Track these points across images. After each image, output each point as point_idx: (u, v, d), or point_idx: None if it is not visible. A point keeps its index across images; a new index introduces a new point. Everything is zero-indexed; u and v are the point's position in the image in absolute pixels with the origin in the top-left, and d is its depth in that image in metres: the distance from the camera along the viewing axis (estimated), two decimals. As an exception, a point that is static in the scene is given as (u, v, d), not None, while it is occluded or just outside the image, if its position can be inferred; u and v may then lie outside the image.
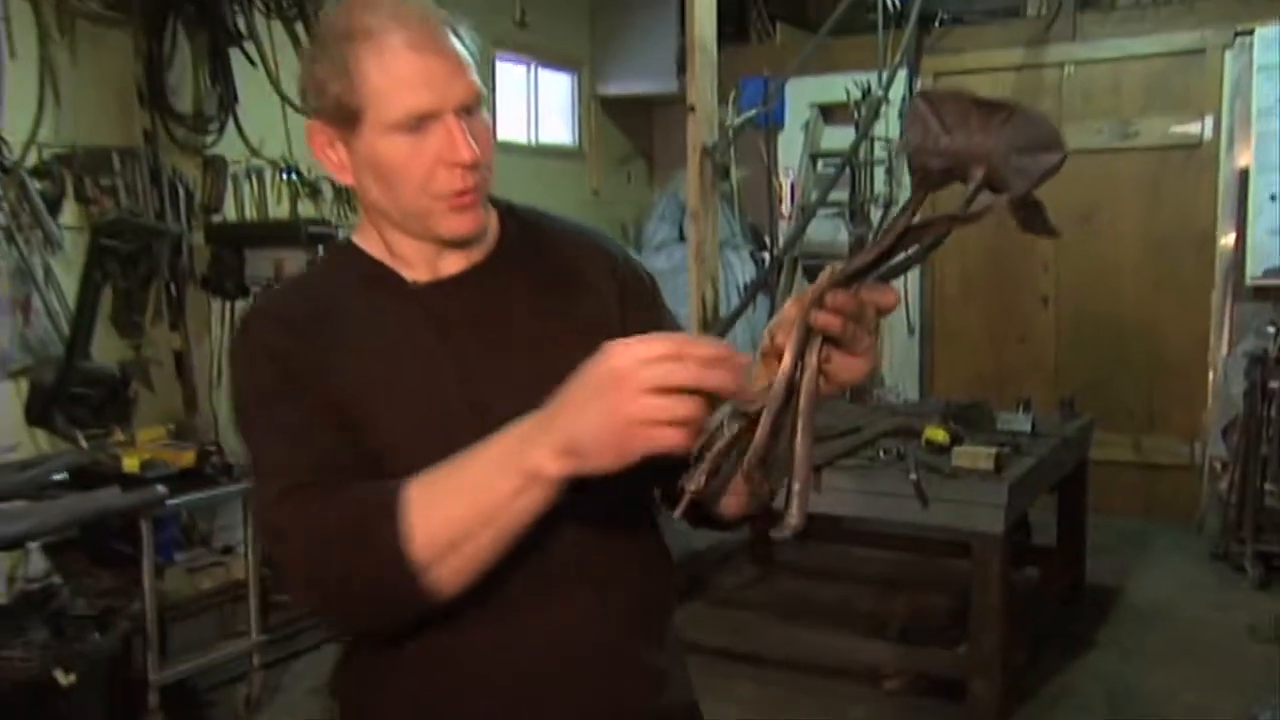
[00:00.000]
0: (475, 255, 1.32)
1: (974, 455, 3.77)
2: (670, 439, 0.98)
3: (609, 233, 1.51)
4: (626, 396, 0.97)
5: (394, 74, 1.18)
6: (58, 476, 3.58)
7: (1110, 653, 4.28)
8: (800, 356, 1.02)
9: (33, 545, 3.67)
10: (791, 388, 1.02)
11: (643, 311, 1.37)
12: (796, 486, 1.02)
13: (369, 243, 1.32)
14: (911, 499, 3.72)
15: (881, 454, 4.02)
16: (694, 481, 1.02)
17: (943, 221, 1.01)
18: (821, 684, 4.05)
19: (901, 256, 1.03)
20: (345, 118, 1.21)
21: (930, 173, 1.01)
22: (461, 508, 1.09)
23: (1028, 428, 4.28)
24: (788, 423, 1.02)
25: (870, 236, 1.06)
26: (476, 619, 1.21)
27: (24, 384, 4.05)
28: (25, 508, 3.36)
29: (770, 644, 4.24)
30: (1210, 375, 5.63)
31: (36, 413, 3.95)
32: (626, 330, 1.28)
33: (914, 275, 6.20)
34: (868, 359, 1.06)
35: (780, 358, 1.03)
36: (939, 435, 4.00)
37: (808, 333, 1.02)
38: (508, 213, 1.38)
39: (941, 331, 6.48)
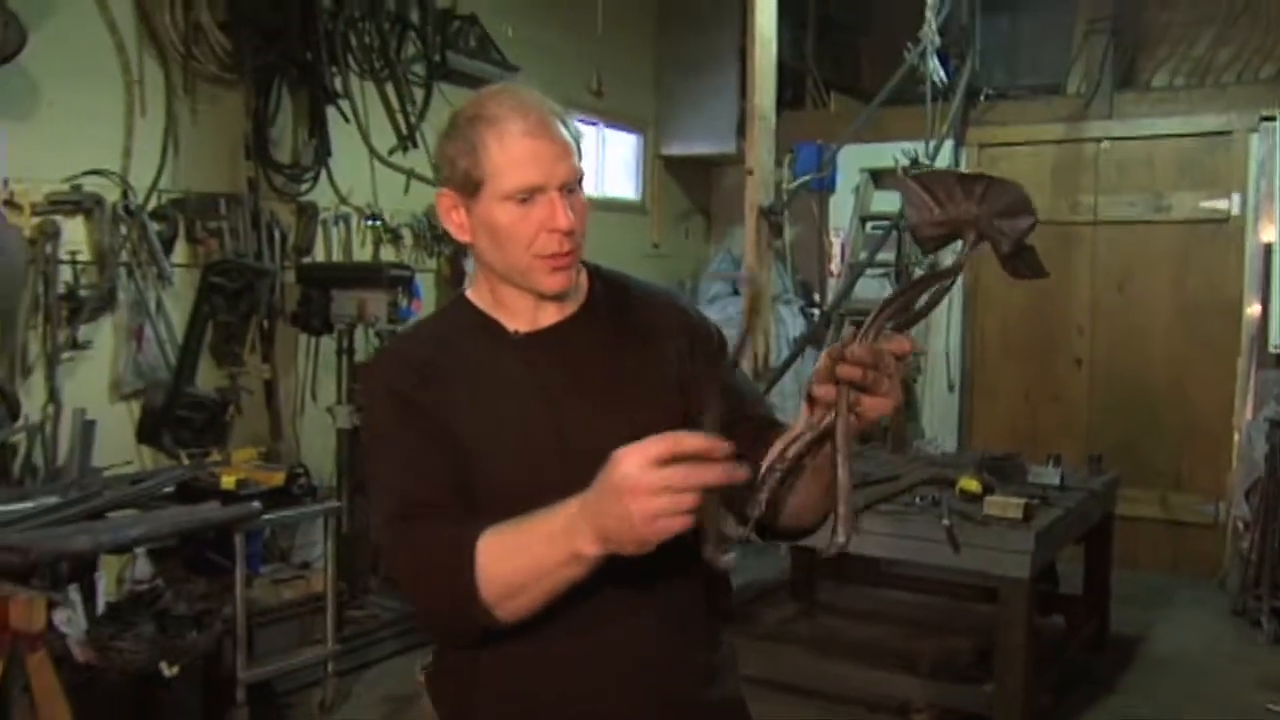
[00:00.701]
0: (568, 309, 1.54)
1: (1004, 505, 3.99)
2: (677, 526, 1.18)
3: (681, 293, 1.81)
4: (638, 501, 1.17)
5: (511, 154, 1.43)
6: (165, 490, 3.95)
7: (1129, 698, 4.48)
8: (834, 405, 1.22)
9: (140, 551, 4.02)
10: (828, 432, 1.23)
11: (709, 358, 1.57)
12: (841, 510, 1.21)
13: (479, 297, 1.57)
14: (944, 544, 3.95)
15: (917, 500, 4.27)
16: (753, 509, 1.25)
17: (934, 277, 1.22)
18: (853, 715, 4.28)
19: (914, 311, 1.25)
20: (469, 187, 1.46)
21: (931, 240, 1.23)
22: (521, 566, 1.32)
23: (1056, 481, 4.50)
24: (826, 457, 1.26)
25: (887, 296, 1.32)
26: (551, 630, 1.40)
27: (135, 406, 4.42)
28: (136, 516, 3.71)
29: (806, 675, 4.44)
30: (1235, 438, 5.85)
31: (146, 432, 4.32)
32: (695, 371, 1.54)
33: (955, 334, 6.49)
34: (890, 397, 1.22)
35: (816, 402, 1.25)
36: (972, 485, 4.22)
37: (838, 383, 1.21)
38: (595, 273, 1.61)
39: (980, 388, 6.75)
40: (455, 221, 1.51)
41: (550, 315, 1.53)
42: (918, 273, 5.85)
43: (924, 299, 1.24)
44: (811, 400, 1.26)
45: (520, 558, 1.32)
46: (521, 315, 1.53)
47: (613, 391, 1.52)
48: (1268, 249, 5.68)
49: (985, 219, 1.19)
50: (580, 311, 1.56)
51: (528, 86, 1.52)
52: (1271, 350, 5.63)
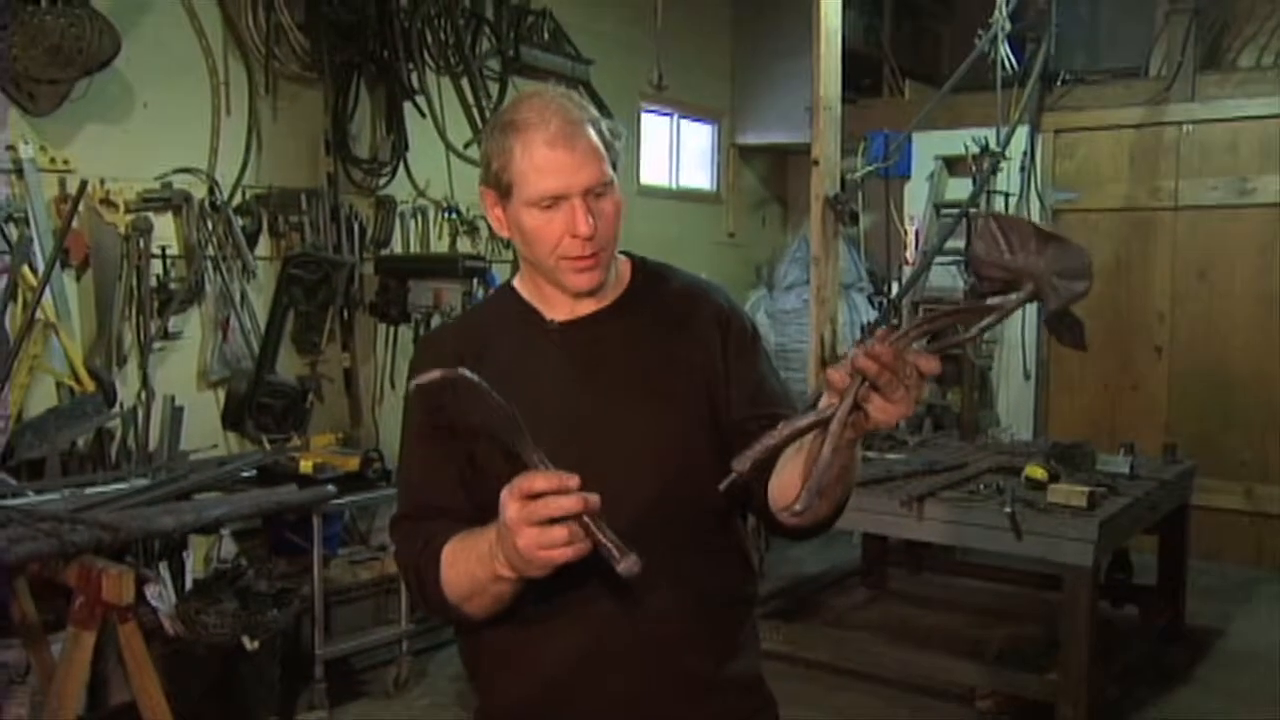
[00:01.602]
0: (606, 299, 1.60)
1: (1068, 493, 3.96)
2: (557, 557, 1.29)
3: (722, 284, 1.83)
4: (518, 536, 1.29)
5: (533, 162, 1.48)
6: (247, 473, 4.13)
7: (1202, 691, 4.42)
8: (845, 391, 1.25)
9: (225, 531, 4.22)
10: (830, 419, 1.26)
11: (740, 352, 1.62)
12: (811, 484, 1.27)
13: (524, 286, 1.64)
14: (1007, 531, 3.94)
15: (982, 488, 4.27)
16: (740, 464, 1.28)
17: (982, 310, 1.26)
18: (918, 700, 4.29)
19: (948, 340, 1.30)
20: (503, 189, 1.52)
21: (991, 280, 1.26)
22: (464, 577, 1.46)
23: (1126, 470, 4.45)
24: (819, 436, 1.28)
25: (934, 311, 1.34)
26: (569, 606, 1.49)
27: (221, 393, 4.62)
28: (220, 498, 3.89)
29: (873, 660, 4.47)
30: (1322, 429, 5.71)
31: (231, 418, 4.52)
32: (727, 369, 1.60)
33: (1032, 323, 6.41)
34: (899, 406, 1.24)
35: (834, 389, 1.27)
36: (1038, 473, 4.20)
37: (854, 374, 1.24)
38: (640, 266, 1.67)
39: (1057, 377, 6.64)
40: (496, 218, 1.58)
41: (588, 306, 1.59)
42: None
43: (968, 331, 1.28)
44: (827, 385, 1.29)
45: (463, 570, 1.46)
46: (560, 305, 1.59)
47: (638, 381, 1.57)
48: (1358, 233, 5.52)
49: (1046, 275, 1.23)
50: (617, 302, 1.62)
51: (561, 89, 1.57)
52: (1356, 338, 5.47)
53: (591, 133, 1.51)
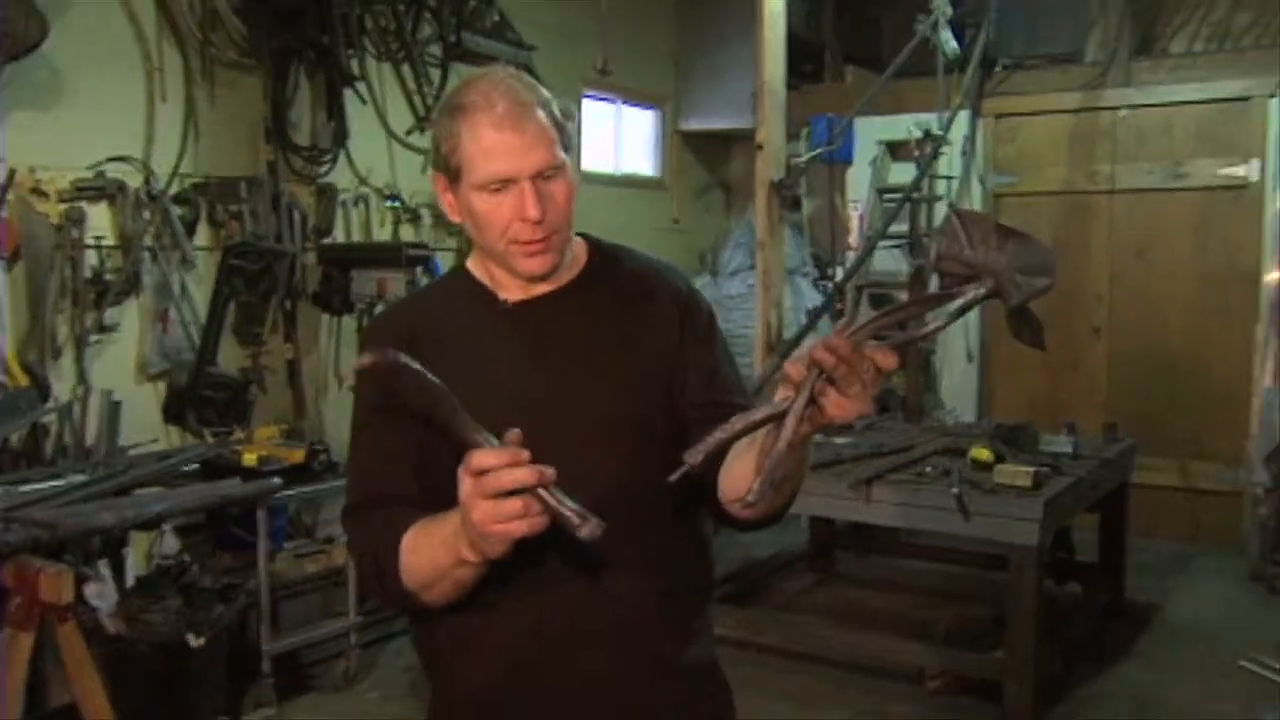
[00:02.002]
0: (562, 280, 1.57)
1: (1014, 473, 4.02)
2: (513, 531, 1.26)
3: (681, 267, 1.81)
4: (474, 510, 1.26)
5: (481, 145, 1.45)
6: (189, 468, 4.06)
7: (1143, 665, 4.52)
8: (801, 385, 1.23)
9: (167, 526, 4.14)
10: (785, 413, 1.24)
11: (696, 341, 1.60)
12: (764, 474, 1.25)
13: (477, 268, 1.60)
14: (954, 512, 3.99)
15: (929, 470, 4.31)
16: (692, 456, 1.27)
17: (940, 297, 1.26)
18: (869, 681, 4.34)
19: (907, 334, 1.28)
20: (452, 173, 1.49)
21: (952, 275, 1.25)
22: (427, 564, 1.42)
23: (1069, 449, 4.53)
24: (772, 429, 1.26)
25: (892, 306, 1.33)
26: (532, 589, 1.47)
27: (161, 386, 4.53)
28: (162, 493, 3.82)
29: (822, 644, 4.51)
30: (1254, 405, 5.84)
31: (172, 412, 4.44)
32: (684, 353, 1.58)
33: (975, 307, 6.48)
34: (856, 403, 1.22)
35: (790, 383, 1.25)
36: (983, 454, 4.26)
37: (810, 366, 1.23)
38: (597, 247, 1.64)
39: (999, 358, 6.73)
40: (447, 202, 1.56)
41: (543, 287, 1.56)
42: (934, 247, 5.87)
43: (928, 326, 1.28)
44: (783, 379, 1.28)
45: (425, 556, 1.42)
46: (514, 288, 1.57)
47: (593, 361, 1.55)
48: (1287, 215, 5.66)
49: (1007, 271, 1.23)
50: (572, 283, 1.59)
51: (511, 70, 1.54)
52: (1291, 317, 5.61)
53: (541, 114, 1.48)
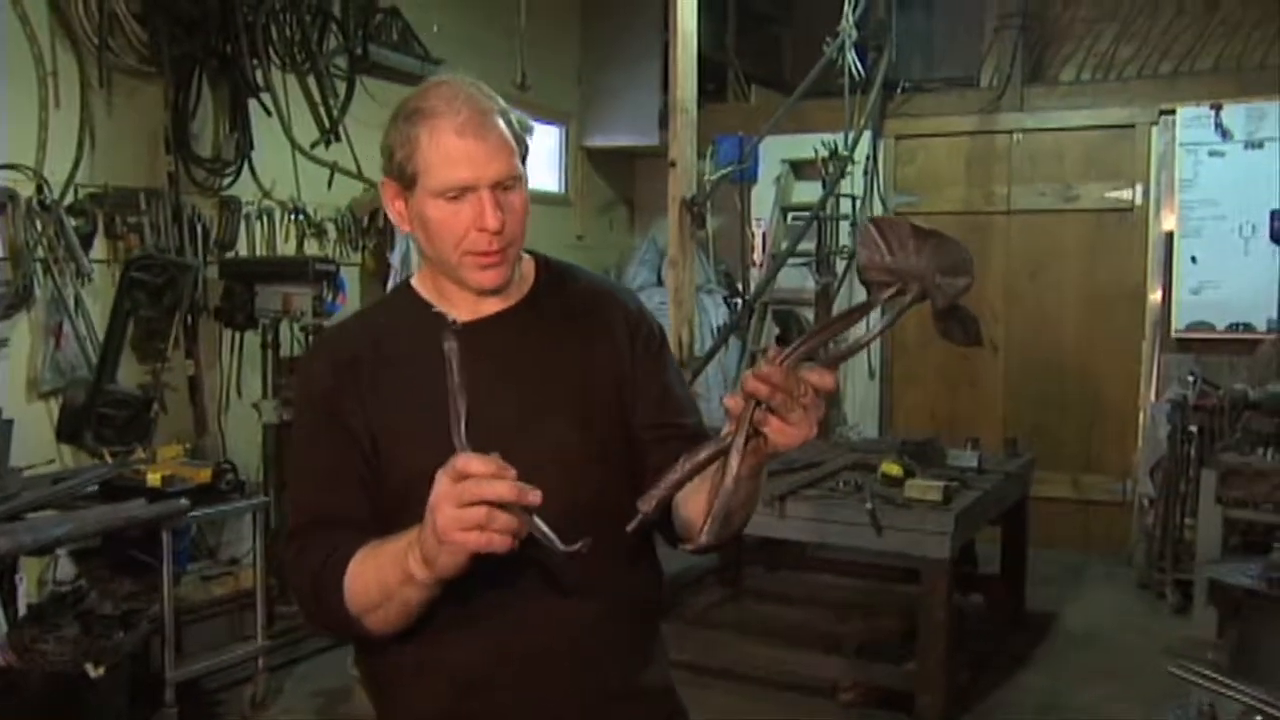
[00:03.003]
0: (510, 299, 1.55)
1: (925, 488, 4.12)
2: (470, 542, 1.21)
3: (628, 289, 1.82)
4: (439, 513, 1.22)
5: (442, 152, 1.42)
6: (89, 489, 3.89)
7: (1045, 672, 4.65)
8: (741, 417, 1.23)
9: (62, 551, 3.96)
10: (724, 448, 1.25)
11: (648, 357, 1.60)
12: (714, 511, 1.26)
13: (424, 287, 1.58)
14: (867, 527, 4.07)
15: (841, 485, 4.39)
16: (646, 504, 1.27)
17: (863, 308, 1.28)
18: (782, 695, 4.38)
19: (842, 348, 1.31)
20: (406, 180, 1.46)
21: (875, 284, 1.26)
22: (372, 584, 1.37)
23: (975, 464, 4.65)
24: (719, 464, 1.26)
25: (817, 324, 1.33)
26: (483, 612, 1.44)
27: (54, 404, 4.34)
28: (59, 516, 3.65)
29: (737, 659, 4.53)
30: (1140, 419, 6.09)
31: (67, 431, 4.25)
32: (635, 373, 1.57)
33: (875, 321, 6.63)
34: (800, 429, 1.22)
35: (732, 417, 1.25)
36: (894, 469, 4.34)
37: (747, 398, 1.22)
38: (544, 265, 1.62)
39: (900, 375, 6.91)
40: (397, 210, 1.52)
41: (492, 305, 1.54)
42: (840, 264, 5.99)
43: (863, 338, 1.32)
44: (728, 412, 1.27)
45: (372, 576, 1.37)
46: (463, 306, 1.53)
47: (547, 383, 1.53)
48: (1169, 237, 5.92)
49: (930, 274, 1.23)
50: (523, 302, 1.57)
51: (469, 79, 1.50)
52: (1174, 335, 5.87)
53: (501, 124, 1.47)
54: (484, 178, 1.43)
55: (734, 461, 1.23)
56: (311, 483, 1.52)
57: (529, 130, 1.53)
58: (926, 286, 1.22)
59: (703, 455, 1.26)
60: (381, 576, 1.35)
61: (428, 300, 1.57)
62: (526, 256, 1.61)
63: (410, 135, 1.45)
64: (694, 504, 1.41)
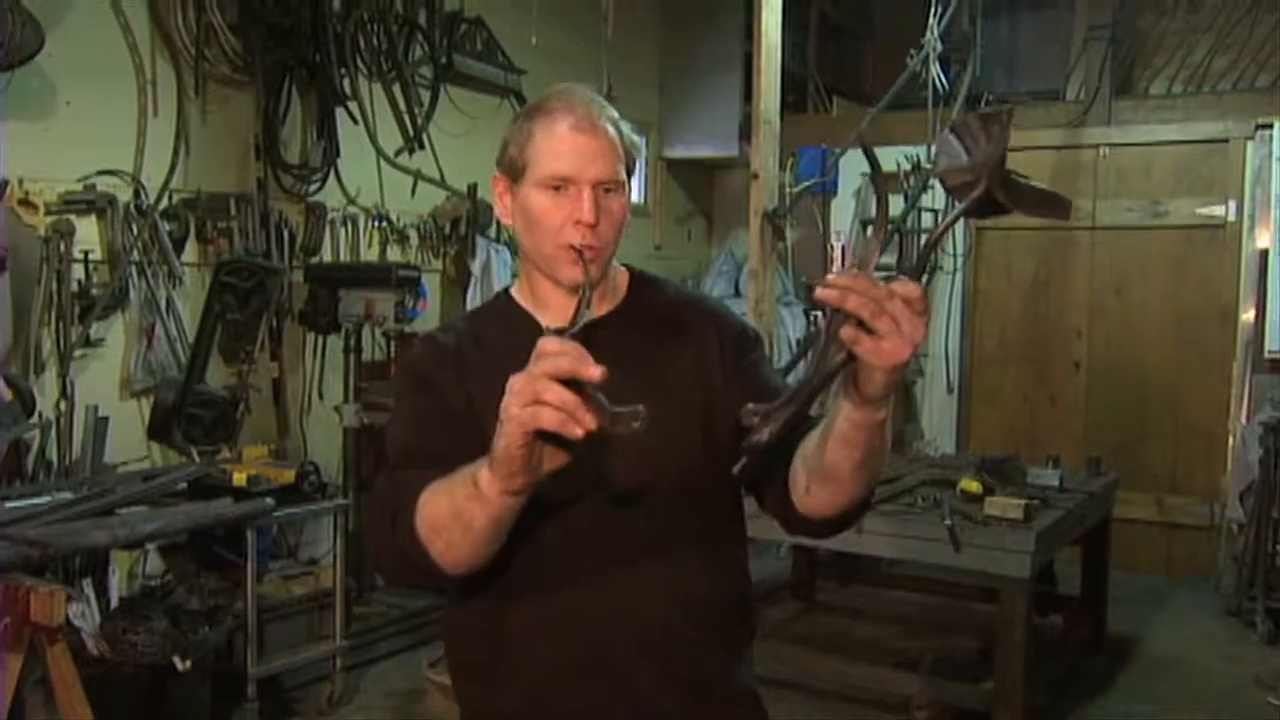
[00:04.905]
0: (605, 306, 1.59)
1: (1005, 505, 4.04)
2: (528, 417, 1.15)
3: (717, 299, 1.84)
4: (514, 382, 1.17)
5: (552, 144, 1.49)
6: (179, 487, 3.99)
7: (1127, 697, 4.55)
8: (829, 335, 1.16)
9: (151, 546, 4.07)
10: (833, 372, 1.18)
11: (742, 363, 1.60)
12: (783, 416, 1.18)
13: (521, 293, 1.63)
14: (945, 543, 4.00)
15: (919, 501, 4.33)
16: (760, 435, 1.18)
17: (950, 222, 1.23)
18: (856, 711, 4.34)
19: (920, 256, 1.25)
20: (515, 171, 1.53)
21: (956, 188, 1.18)
22: (443, 503, 1.33)
23: (1056, 483, 4.56)
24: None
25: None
26: (578, 601, 1.48)
27: (146, 403, 4.46)
28: (151, 512, 3.75)
29: (807, 674, 4.50)
30: (1230, 441, 5.93)
31: (158, 429, 4.35)
32: (725, 377, 1.58)
33: (954, 337, 6.55)
34: (891, 341, 1.12)
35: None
36: (973, 486, 4.27)
37: (833, 313, 1.15)
38: (637, 276, 1.66)
39: (978, 391, 6.82)
40: (503, 205, 1.58)
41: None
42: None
43: (934, 232, 1.24)
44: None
45: (444, 496, 1.34)
46: (558, 311, 1.55)
47: (639, 387, 1.48)
48: (1263, 255, 5.76)
49: (998, 157, 1.15)
50: (615, 311, 1.61)
51: (589, 89, 1.57)
52: (1267, 355, 5.71)
53: (612, 130, 1.52)
54: (587, 173, 1.49)
55: (818, 370, 1.17)
56: (407, 424, 1.55)
57: (638, 148, 1.58)
58: (991, 174, 1.14)
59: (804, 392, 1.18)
60: (453, 494, 1.32)
61: (524, 307, 1.61)
62: (620, 267, 1.64)
63: (526, 129, 1.52)
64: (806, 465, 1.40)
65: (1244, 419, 5.73)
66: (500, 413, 1.19)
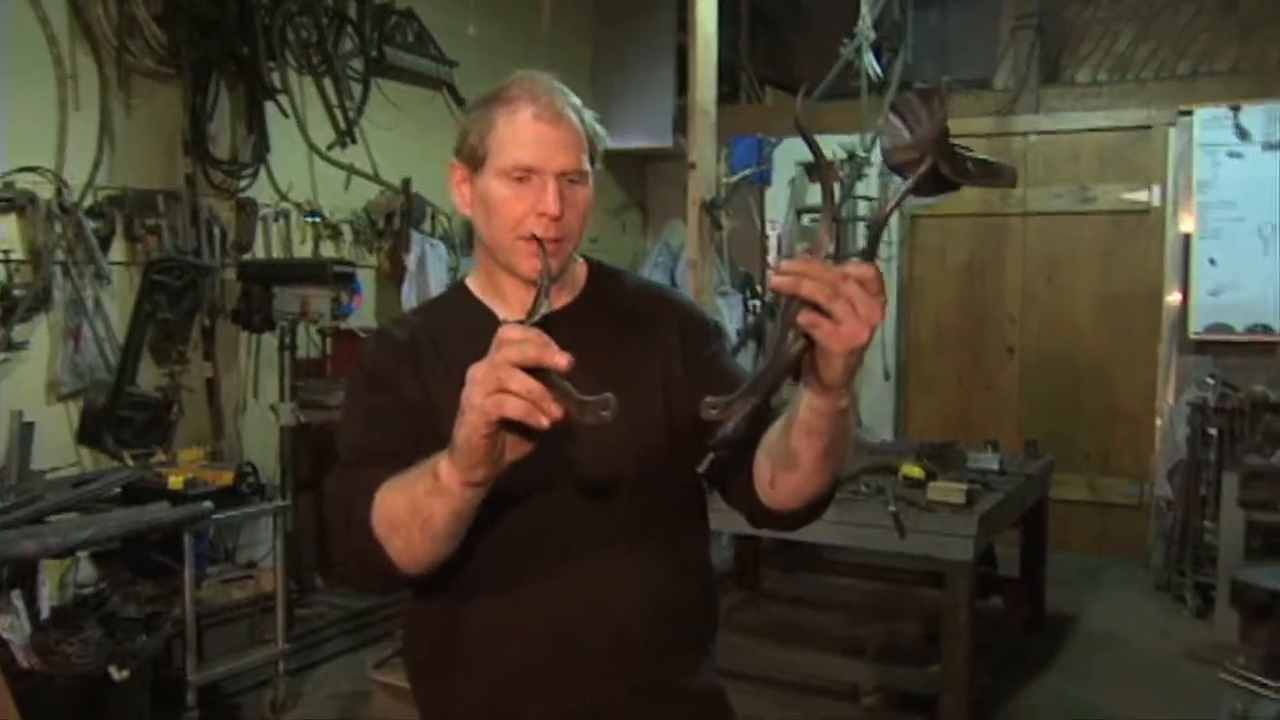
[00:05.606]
0: (563, 299, 1.55)
1: (947, 490, 4.08)
2: (491, 406, 1.12)
3: (677, 289, 1.82)
4: (476, 370, 1.14)
5: (515, 133, 1.45)
6: (112, 492, 3.88)
7: (1067, 675, 4.63)
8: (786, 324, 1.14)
9: (83, 554, 3.95)
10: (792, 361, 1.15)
11: (703, 356, 1.58)
12: (744, 408, 1.15)
13: (477, 284, 1.59)
14: (890, 530, 4.02)
15: (862, 488, 4.36)
16: (724, 432, 1.15)
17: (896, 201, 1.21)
18: (803, 699, 4.35)
19: (874, 223, 1.21)
20: (475, 160, 1.49)
21: (902, 164, 1.16)
22: (400, 499, 1.29)
23: (995, 466, 4.63)
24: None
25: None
26: (537, 601, 1.45)
27: (73, 407, 4.33)
28: (83, 519, 3.64)
29: (755, 663, 4.47)
30: (1158, 422, 6.07)
31: (87, 433, 4.24)
32: (688, 369, 1.55)
33: (890, 326, 6.62)
34: (848, 324, 1.10)
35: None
36: (915, 472, 4.32)
37: (788, 301, 1.13)
38: (596, 268, 1.63)
39: (915, 378, 6.90)
40: (461, 194, 1.54)
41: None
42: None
43: (888, 204, 1.22)
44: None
45: (401, 488, 1.30)
46: (515, 304, 1.51)
47: (599, 384, 1.51)
48: (1186, 239, 5.90)
49: (940, 133, 1.15)
50: (574, 303, 1.58)
51: (551, 77, 1.52)
52: (1191, 337, 5.85)
53: (576, 119, 1.49)
54: (551, 163, 1.45)
55: (771, 362, 1.15)
56: (360, 422, 1.50)
57: (602, 138, 1.54)
58: (938, 150, 1.14)
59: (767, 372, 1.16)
60: (411, 489, 1.28)
61: (481, 299, 1.57)
62: (580, 259, 1.61)
63: (487, 118, 1.48)
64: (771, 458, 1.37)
65: (1171, 399, 5.86)
66: (461, 402, 1.16)
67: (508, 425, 1.15)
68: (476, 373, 1.15)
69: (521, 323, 1.20)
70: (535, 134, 1.45)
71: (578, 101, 1.52)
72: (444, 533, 1.29)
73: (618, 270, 1.68)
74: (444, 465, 1.22)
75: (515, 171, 1.45)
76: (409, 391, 1.49)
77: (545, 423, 1.13)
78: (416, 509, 1.27)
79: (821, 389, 1.20)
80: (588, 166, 1.50)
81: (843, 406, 1.24)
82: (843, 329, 1.10)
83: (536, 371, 1.14)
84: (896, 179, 1.21)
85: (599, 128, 1.54)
